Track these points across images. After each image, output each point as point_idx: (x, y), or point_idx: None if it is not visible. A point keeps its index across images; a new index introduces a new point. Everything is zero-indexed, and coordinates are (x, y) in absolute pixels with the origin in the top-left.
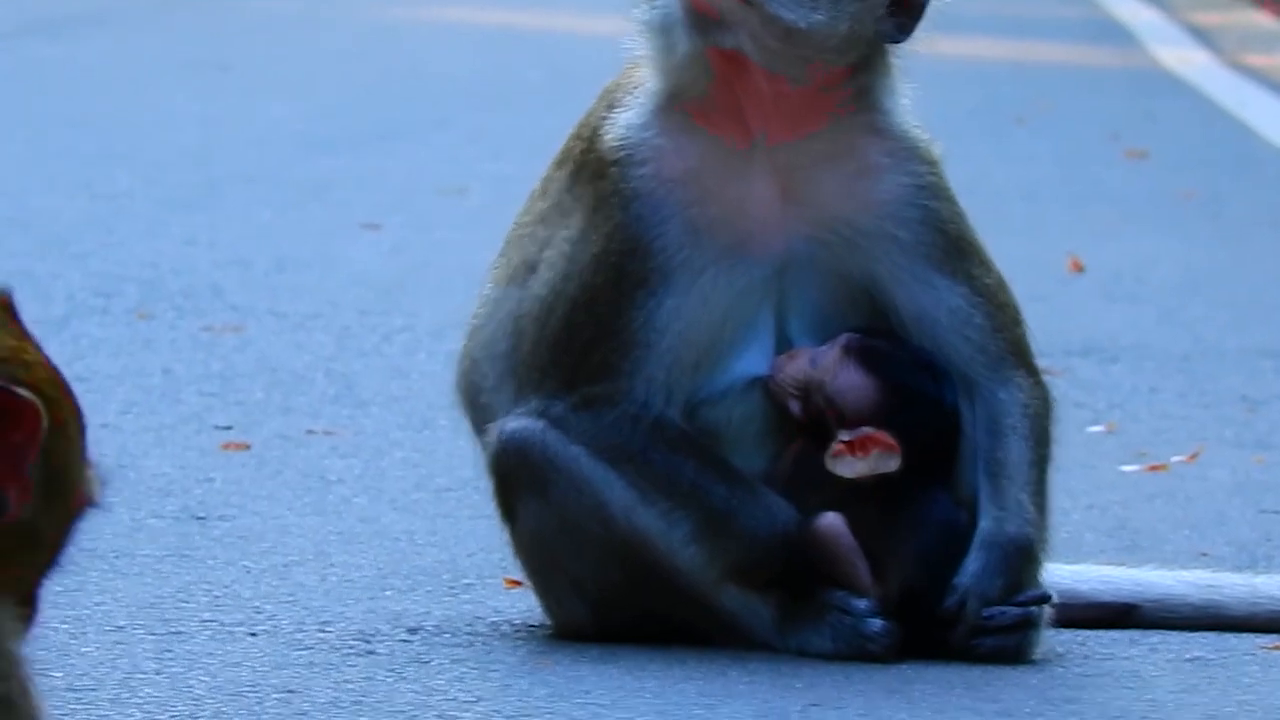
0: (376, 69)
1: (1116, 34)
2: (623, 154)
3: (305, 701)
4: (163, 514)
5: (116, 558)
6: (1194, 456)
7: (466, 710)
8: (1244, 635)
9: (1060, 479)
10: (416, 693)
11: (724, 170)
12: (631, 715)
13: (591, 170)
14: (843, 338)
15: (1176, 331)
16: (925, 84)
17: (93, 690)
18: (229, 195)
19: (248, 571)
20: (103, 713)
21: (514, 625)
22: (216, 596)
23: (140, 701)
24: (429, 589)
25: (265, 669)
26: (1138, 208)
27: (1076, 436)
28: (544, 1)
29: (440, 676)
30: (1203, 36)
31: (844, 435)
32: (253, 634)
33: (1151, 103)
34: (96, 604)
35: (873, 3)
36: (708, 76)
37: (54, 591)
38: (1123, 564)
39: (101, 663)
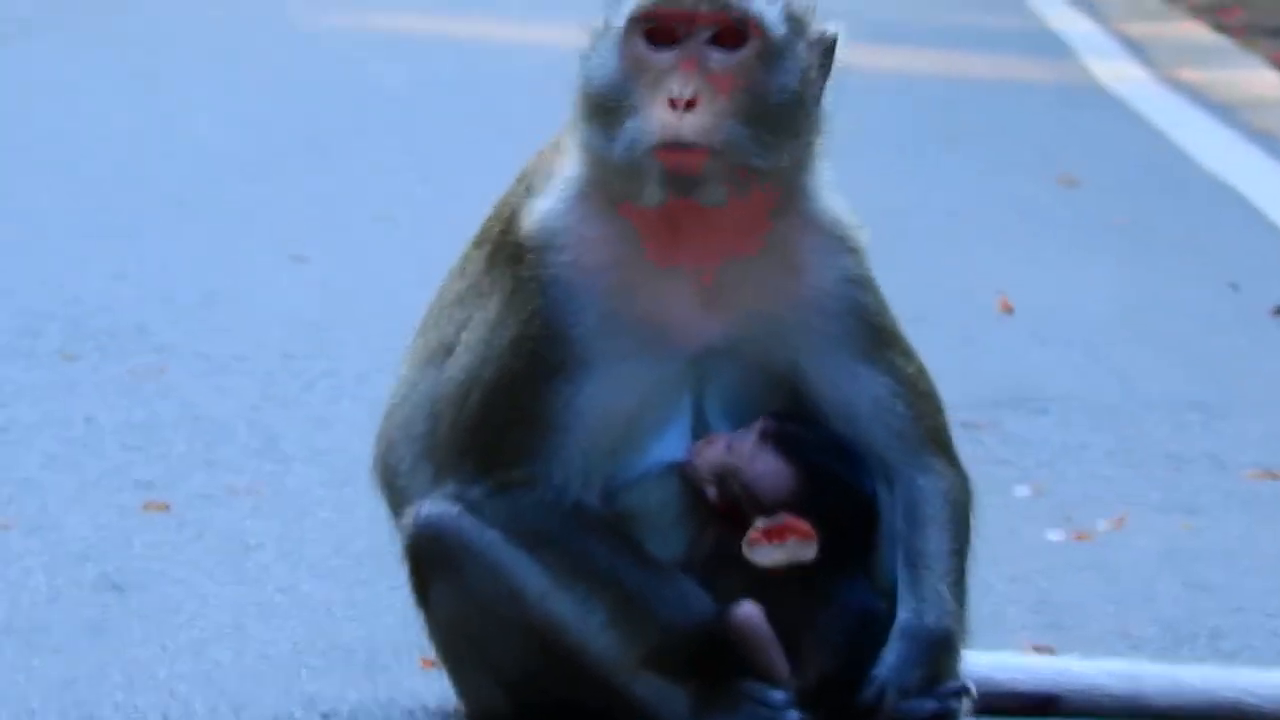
0: (309, 80)
1: (1051, 46)
2: (541, 240)
3: None
4: (81, 582)
5: (33, 632)
6: (1120, 522)
7: None
8: None
9: (985, 547)
10: None
11: (645, 265)
12: None
13: (509, 253)
14: (759, 423)
15: (1105, 379)
16: (853, 98)
17: None
18: (156, 220)
19: (164, 650)
20: None
21: (429, 710)
22: (132, 676)
23: None
24: (345, 668)
25: None
26: (1069, 235)
27: (1001, 499)
28: (483, 8)
29: None
30: (1138, 50)
31: (761, 523)
32: (167, 718)
33: (1085, 122)
34: (10, 683)
35: (812, 104)
36: (654, 205)
37: None
38: (1047, 643)
39: None
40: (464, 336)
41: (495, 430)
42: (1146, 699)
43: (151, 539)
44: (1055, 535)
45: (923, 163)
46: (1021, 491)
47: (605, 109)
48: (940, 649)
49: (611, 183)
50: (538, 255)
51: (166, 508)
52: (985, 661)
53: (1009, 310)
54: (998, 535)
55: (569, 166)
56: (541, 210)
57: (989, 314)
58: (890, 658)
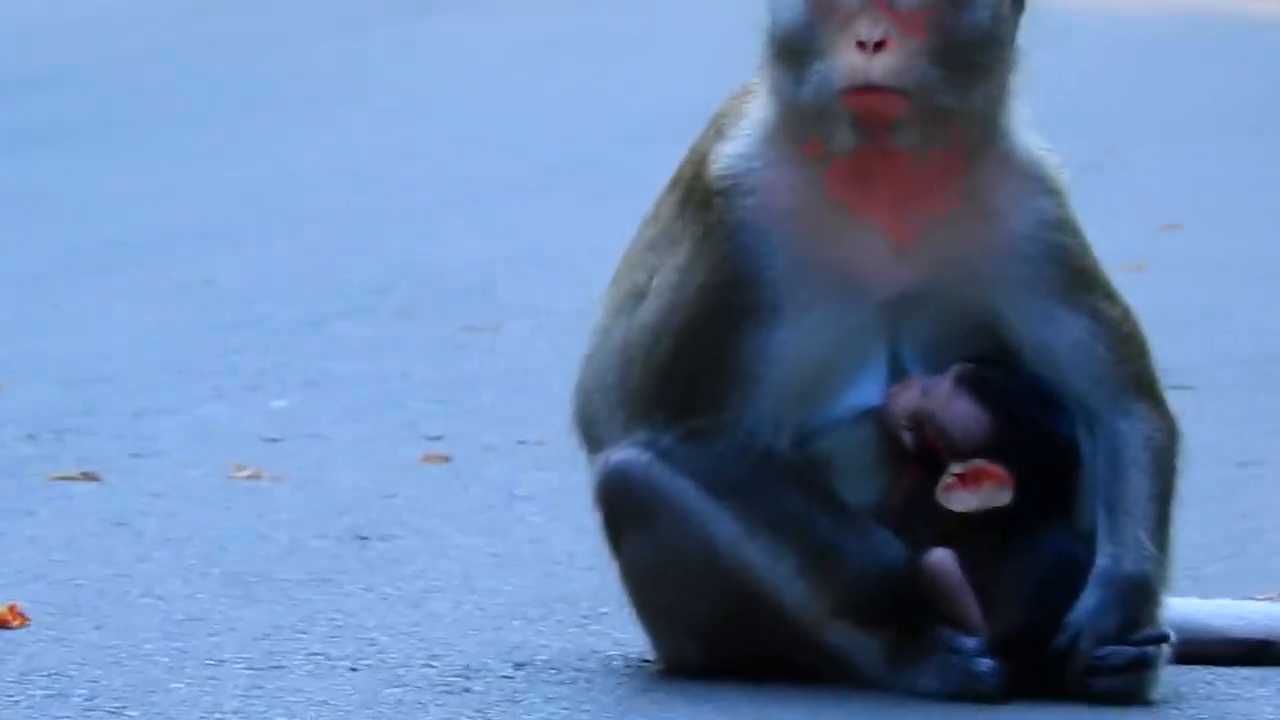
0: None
1: None
2: (730, 184)
3: None
4: (327, 534)
5: (258, 582)
6: None
7: None
8: None
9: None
10: None
11: (836, 211)
12: None
13: (699, 198)
14: (955, 368)
15: None
16: None
17: None
18: (533, 188)
19: (383, 599)
20: None
21: (629, 660)
22: (338, 626)
23: None
24: (560, 618)
25: (348, 709)
26: None
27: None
28: None
29: (524, 717)
30: None
31: (956, 468)
32: (354, 669)
33: None
34: (210, 635)
35: (1006, 41)
36: (845, 151)
37: (174, 620)
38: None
39: (184, 701)
40: (655, 283)
41: (686, 377)
42: None
43: (417, 492)
44: None
45: None
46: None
47: (792, 52)
48: (1138, 596)
49: (801, 127)
50: (726, 199)
51: (447, 459)
52: (1198, 607)
53: None
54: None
55: (758, 110)
56: (730, 154)
57: None
58: (1086, 603)
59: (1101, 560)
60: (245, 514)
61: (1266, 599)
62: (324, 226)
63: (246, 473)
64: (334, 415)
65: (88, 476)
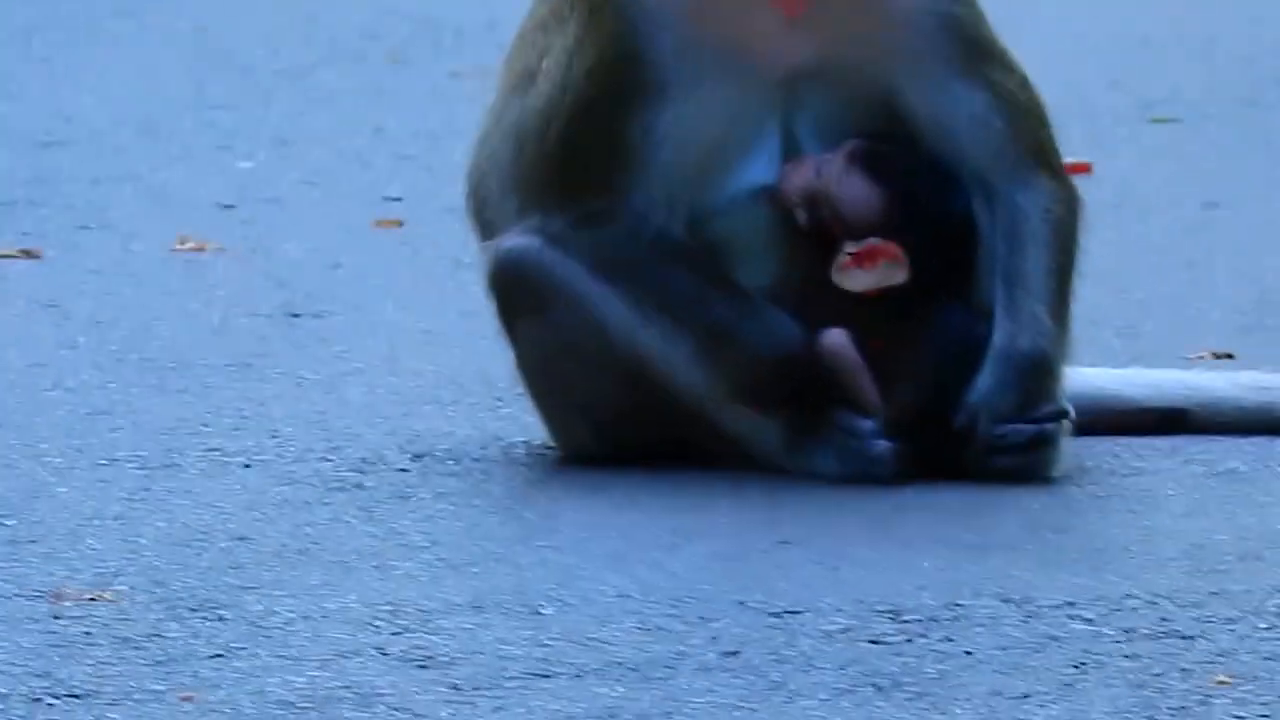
0: None
1: None
2: None
3: (248, 551)
4: (258, 311)
5: (173, 370)
6: None
7: (411, 559)
8: None
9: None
10: (371, 538)
11: None
12: (584, 560)
13: None
14: (849, 144)
15: None
16: None
17: (32, 543)
18: None
19: (297, 384)
20: (34, 565)
21: (531, 447)
22: (244, 418)
23: (73, 558)
24: (473, 400)
25: (232, 509)
26: None
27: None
28: None
29: (409, 515)
30: None
31: (850, 247)
32: (247, 465)
33: None
34: (111, 430)
35: None
36: None
37: (78, 415)
38: (1230, 350)
39: (66, 507)
40: (545, 64)
41: (577, 160)
42: (1278, 410)
43: (363, 261)
44: None
45: None
46: None
47: None
48: (1036, 372)
49: None
50: None
51: (400, 224)
52: (1114, 377)
53: None
54: (1257, 228)
55: None
56: None
57: None
58: (983, 382)
59: (998, 337)
60: (180, 291)
61: (1199, 357)
62: None
63: (190, 245)
64: (298, 176)
65: (26, 254)
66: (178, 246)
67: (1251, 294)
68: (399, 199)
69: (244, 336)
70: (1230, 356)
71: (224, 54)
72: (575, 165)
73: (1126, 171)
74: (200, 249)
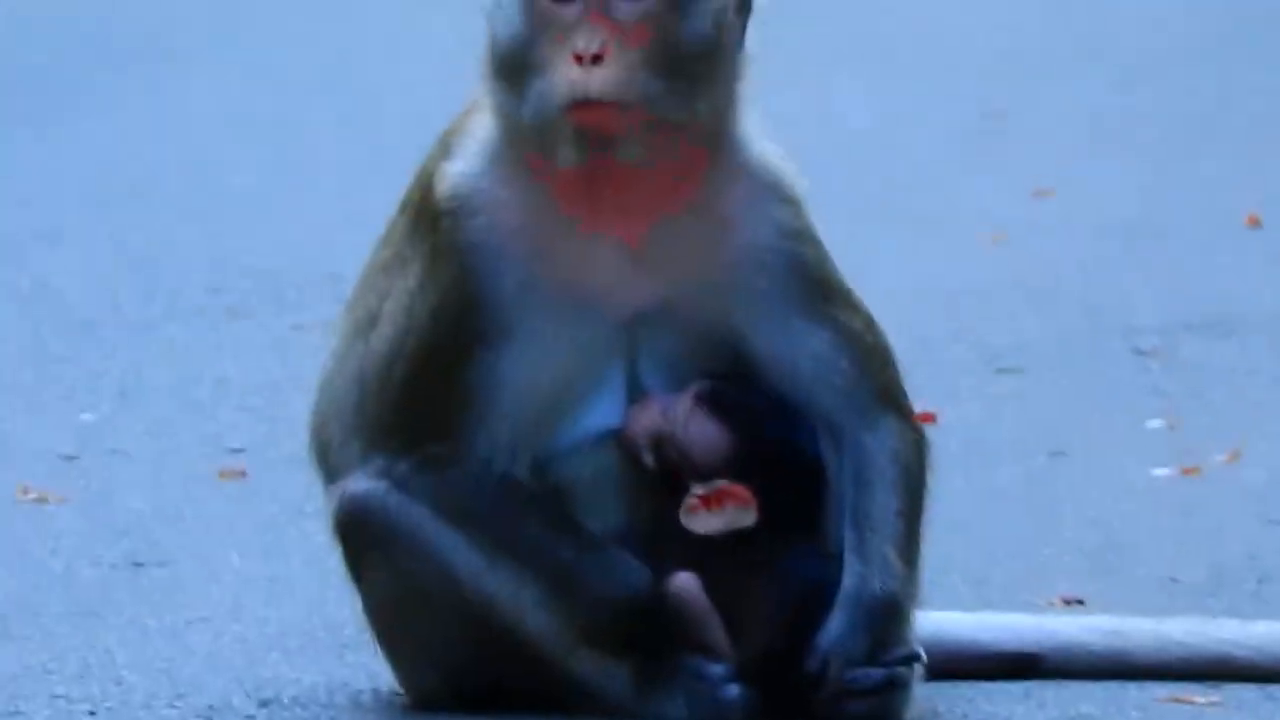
0: None
1: None
2: (457, 203)
3: None
4: (101, 561)
5: (16, 617)
6: (1235, 455)
7: None
8: (1147, 684)
9: (1077, 490)
10: None
11: (566, 228)
12: None
13: (428, 219)
14: (694, 386)
15: None
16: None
17: None
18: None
19: (142, 633)
20: None
21: (379, 694)
22: (88, 665)
23: None
24: (320, 647)
25: None
26: None
27: (1128, 433)
28: None
29: None
30: None
31: (698, 489)
32: (92, 713)
33: None
34: None
35: (732, 48)
36: (571, 166)
37: None
38: (1082, 594)
39: None
40: (387, 306)
41: (420, 403)
42: (1130, 655)
43: (206, 511)
44: (1161, 471)
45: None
46: (1154, 424)
47: (513, 67)
48: (887, 615)
49: (526, 144)
50: (453, 220)
51: (243, 474)
52: (968, 621)
53: (1256, 225)
54: (1103, 474)
55: (483, 127)
56: (455, 173)
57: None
58: (834, 625)
59: (848, 580)
60: (23, 539)
61: (1049, 603)
62: (164, 223)
63: (33, 495)
64: (141, 428)
65: None
66: (20, 496)
67: (1098, 539)
68: (242, 450)
69: (87, 585)
70: (1081, 602)
71: (65, 308)
72: (418, 408)
73: (973, 421)
74: (43, 499)
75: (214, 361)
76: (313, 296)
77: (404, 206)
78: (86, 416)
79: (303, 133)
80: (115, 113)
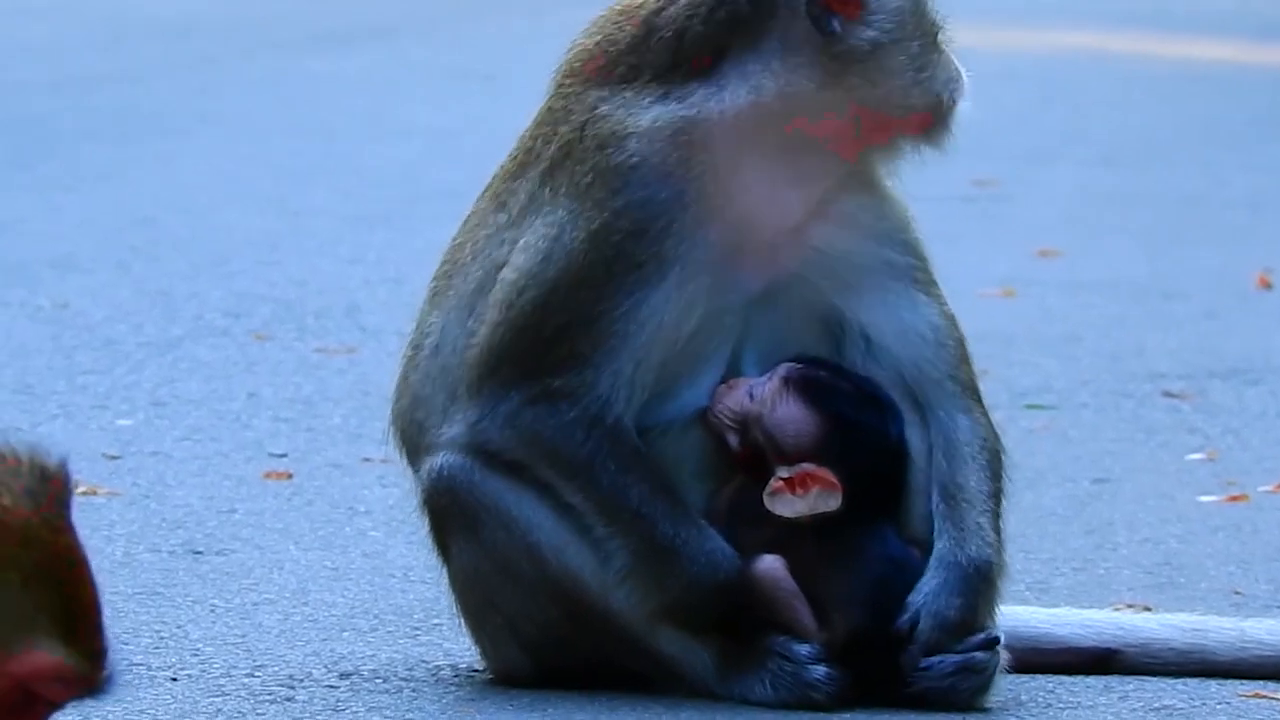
0: None
1: None
2: (629, 133)
3: None
4: (159, 548)
5: None
6: None
7: None
8: (1227, 682)
9: (1127, 511)
10: None
11: (744, 179)
12: None
13: (588, 149)
14: (782, 368)
15: None
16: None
17: None
18: (420, 213)
19: (211, 611)
20: None
21: (458, 670)
22: (163, 638)
23: None
24: (391, 629)
25: (165, 719)
26: None
27: (1171, 465)
28: None
29: None
30: None
31: (782, 472)
32: (174, 679)
33: None
34: None
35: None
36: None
37: None
38: (1147, 602)
39: None
40: (524, 241)
41: (550, 330)
42: (1210, 653)
43: (257, 507)
44: (1208, 498)
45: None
46: (1195, 457)
47: None
48: (979, 579)
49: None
50: (623, 146)
51: (289, 476)
52: (1044, 616)
53: (1267, 287)
54: (1151, 499)
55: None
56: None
57: (1245, 289)
58: (928, 585)
59: (942, 544)
60: (78, 528)
61: (1116, 608)
62: (185, 253)
63: (82, 489)
64: (179, 434)
65: None
66: None
67: (1156, 556)
68: (284, 455)
69: (149, 570)
70: (1148, 609)
71: (87, 328)
72: (547, 335)
73: (1009, 449)
74: (92, 492)
75: (244, 378)
76: (333, 325)
77: (522, 167)
78: (124, 422)
79: (296, 189)
80: (120, 179)
